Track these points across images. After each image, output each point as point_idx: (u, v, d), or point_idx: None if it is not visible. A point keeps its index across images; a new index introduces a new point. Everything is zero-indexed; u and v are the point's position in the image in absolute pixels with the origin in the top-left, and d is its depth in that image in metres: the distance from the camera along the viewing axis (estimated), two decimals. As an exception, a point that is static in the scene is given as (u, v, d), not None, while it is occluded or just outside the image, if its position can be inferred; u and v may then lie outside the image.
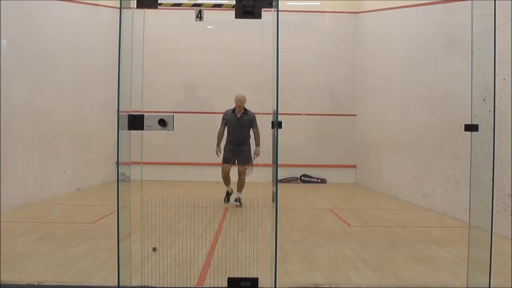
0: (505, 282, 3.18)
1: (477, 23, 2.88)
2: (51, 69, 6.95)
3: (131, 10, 2.82)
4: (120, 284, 2.79)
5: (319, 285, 3.17)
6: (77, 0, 7.67)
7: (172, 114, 2.76)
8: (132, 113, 2.83)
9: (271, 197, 3.12)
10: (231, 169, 6.34)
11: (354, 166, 9.44)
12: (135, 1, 2.83)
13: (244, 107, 6.17)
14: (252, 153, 6.28)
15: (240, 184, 6.32)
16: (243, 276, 3.11)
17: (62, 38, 7.21)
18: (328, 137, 9.33)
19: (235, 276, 3.10)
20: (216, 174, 6.65)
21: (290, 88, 8.27)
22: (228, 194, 6.51)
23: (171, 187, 8.08)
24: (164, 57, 8.81)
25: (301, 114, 9.00)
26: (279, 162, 3.00)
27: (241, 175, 6.27)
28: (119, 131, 2.84)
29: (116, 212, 2.81)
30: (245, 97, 6.18)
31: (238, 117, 6.17)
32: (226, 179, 6.37)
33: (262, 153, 6.13)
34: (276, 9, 2.84)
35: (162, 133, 2.87)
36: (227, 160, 6.32)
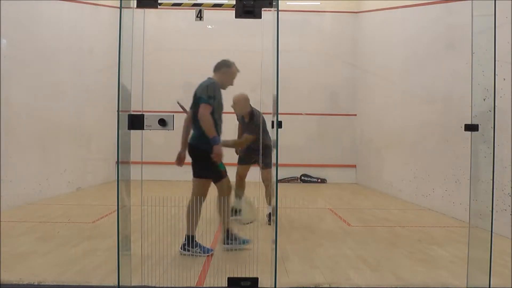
0: (505, 282, 3.18)
1: (477, 23, 2.88)
2: (51, 69, 6.95)
3: (131, 10, 2.82)
4: (120, 284, 2.79)
5: (319, 285, 3.17)
6: (77, 0, 7.66)
7: (172, 114, 2.76)
8: (132, 113, 2.83)
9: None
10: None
11: (354, 166, 9.43)
12: (135, 1, 2.83)
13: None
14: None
15: (268, 193, 4.99)
16: (243, 276, 3.11)
17: (62, 38, 7.20)
18: (328, 137, 9.32)
19: (235, 276, 3.10)
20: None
21: (290, 88, 8.25)
22: (235, 211, 4.99)
23: (171, 187, 8.06)
24: (164, 57, 8.80)
25: (301, 114, 9.00)
26: (279, 162, 3.00)
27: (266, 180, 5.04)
28: (119, 130, 2.85)
29: (116, 212, 2.81)
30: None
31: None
32: (240, 187, 5.18)
33: None
34: (276, 8, 2.84)
35: (162, 132, 2.87)
36: (244, 160, 5.27)
